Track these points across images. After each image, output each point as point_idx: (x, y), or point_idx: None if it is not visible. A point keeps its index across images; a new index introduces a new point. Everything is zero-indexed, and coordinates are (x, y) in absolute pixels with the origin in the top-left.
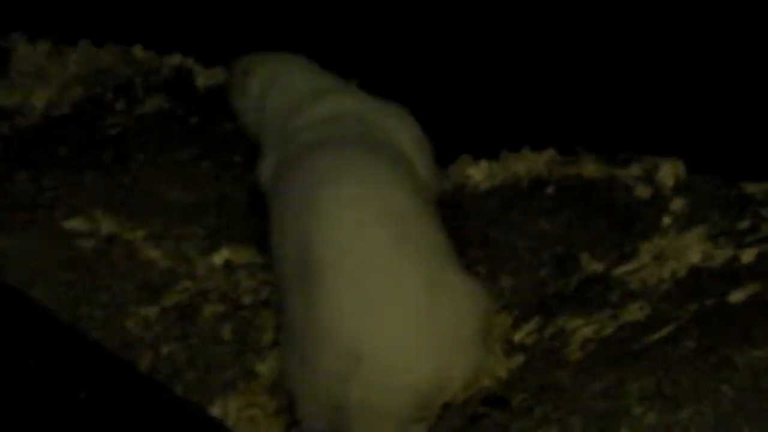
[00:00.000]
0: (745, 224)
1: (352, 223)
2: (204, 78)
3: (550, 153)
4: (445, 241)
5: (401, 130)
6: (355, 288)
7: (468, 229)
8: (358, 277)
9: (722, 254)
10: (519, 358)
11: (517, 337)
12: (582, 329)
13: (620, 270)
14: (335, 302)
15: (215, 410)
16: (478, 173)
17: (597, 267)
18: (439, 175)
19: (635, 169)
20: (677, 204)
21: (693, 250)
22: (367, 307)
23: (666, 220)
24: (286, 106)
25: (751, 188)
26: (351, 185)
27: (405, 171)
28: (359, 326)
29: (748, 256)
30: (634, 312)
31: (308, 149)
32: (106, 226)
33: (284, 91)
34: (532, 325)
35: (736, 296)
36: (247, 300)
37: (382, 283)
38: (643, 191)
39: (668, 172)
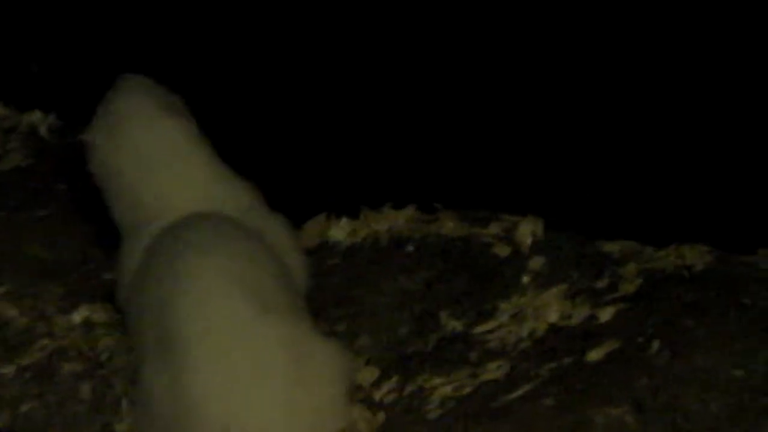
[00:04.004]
0: (602, 283)
1: (214, 296)
2: (64, 135)
3: (409, 211)
4: (304, 309)
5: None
6: (221, 363)
7: (328, 287)
8: (223, 352)
9: (580, 313)
10: (380, 416)
11: (378, 395)
12: (441, 388)
13: (479, 328)
14: (200, 377)
15: None
16: (339, 231)
17: (456, 325)
18: (307, 263)
19: (494, 228)
20: (536, 262)
21: (551, 308)
22: (234, 381)
23: (525, 279)
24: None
25: (609, 247)
26: (215, 258)
27: (266, 247)
28: (227, 401)
29: (605, 314)
30: (493, 371)
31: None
32: None
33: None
34: (392, 383)
35: (594, 355)
36: (105, 358)
37: (246, 356)
38: (502, 250)
39: (527, 230)
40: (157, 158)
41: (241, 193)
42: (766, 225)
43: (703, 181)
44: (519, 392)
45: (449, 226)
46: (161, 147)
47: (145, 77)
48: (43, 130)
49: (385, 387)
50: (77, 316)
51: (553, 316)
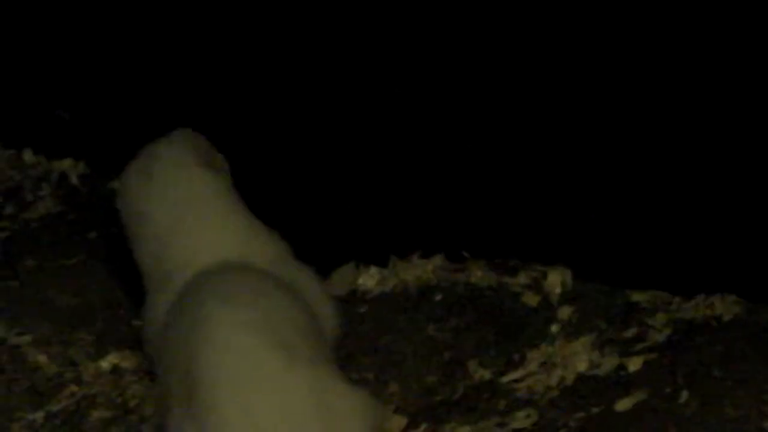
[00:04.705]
0: (631, 332)
1: (241, 349)
2: (95, 183)
3: (438, 260)
4: (332, 359)
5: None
6: (249, 413)
7: (357, 335)
8: (251, 402)
9: (609, 362)
10: None
11: None
12: None
13: (508, 377)
14: (228, 428)
15: None
16: (368, 280)
17: (484, 374)
18: (337, 313)
19: (523, 277)
20: (565, 312)
21: (580, 358)
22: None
23: (553, 328)
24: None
25: (637, 296)
26: (243, 310)
27: (295, 298)
28: None
29: (634, 364)
30: (522, 420)
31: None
32: None
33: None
34: (420, 431)
35: (623, 404)
36: (134, 405)
37: (275, 406)
38: (530, 299)
39: (556, 280)
40: (188, 207)
41: (270, 244)
42: None
43: (732, 231)
44: None
45: (478, 275)
46: (193, 196)
47: (195, 132)
48: (73, 178)
49: None
50: (106, 363)
51: (581, 366)
